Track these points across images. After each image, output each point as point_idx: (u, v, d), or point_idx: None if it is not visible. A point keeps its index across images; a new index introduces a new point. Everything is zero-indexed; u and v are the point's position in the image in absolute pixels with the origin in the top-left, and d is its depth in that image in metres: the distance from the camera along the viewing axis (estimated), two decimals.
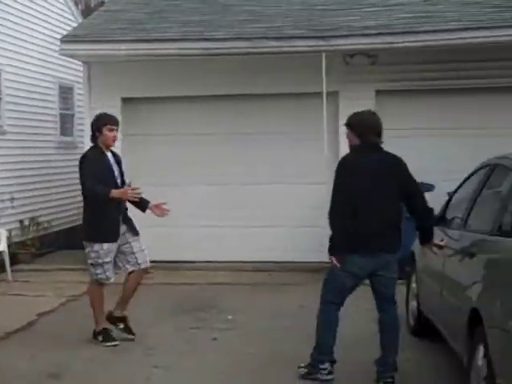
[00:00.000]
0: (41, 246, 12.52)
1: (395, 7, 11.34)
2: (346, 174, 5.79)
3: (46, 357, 6.79)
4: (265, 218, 11.25)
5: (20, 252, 11.99)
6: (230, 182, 11.34)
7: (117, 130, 7.12)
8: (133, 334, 7.14)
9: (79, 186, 13.65)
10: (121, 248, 7.05)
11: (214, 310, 8.45)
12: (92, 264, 7.02)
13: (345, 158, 5.93)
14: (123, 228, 7.04)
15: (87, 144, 11.59)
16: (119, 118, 11.36)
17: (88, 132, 11.53)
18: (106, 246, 6.92)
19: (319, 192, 11.21)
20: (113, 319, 7.20)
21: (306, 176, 11.24)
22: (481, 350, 4.59)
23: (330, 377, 5.98)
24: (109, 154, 7.10)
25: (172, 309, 8.55)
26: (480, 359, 4.62)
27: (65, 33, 12.43)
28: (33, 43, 13.20)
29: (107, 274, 7.03)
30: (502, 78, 10.62)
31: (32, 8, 13.34)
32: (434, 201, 8.14)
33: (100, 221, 6.93)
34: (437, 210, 6.89)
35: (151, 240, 10.91)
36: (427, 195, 9.54)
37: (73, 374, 6.28)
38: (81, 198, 12.85)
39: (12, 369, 6.44)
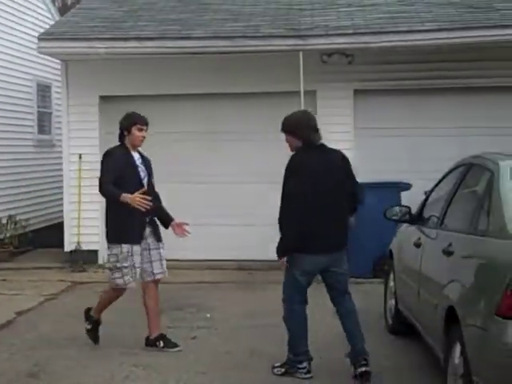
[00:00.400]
0: (19, 244, 12.48)
1: (371, 7, 11.44)
2: (296, 175, 5.87)
3: (25, 356, 6.78)
4: (246, 217, 11.29)
5: None
6: (210, 181, 11.37)
7: (146, 130, 6.84)
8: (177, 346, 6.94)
9: (57, 184, 13.63)
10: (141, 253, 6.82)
11: (193, 308, 8.48)
12: (110, 268, 6.75)
13: (293, 160, 5.97)
14: (147, 232, 6.80)
15: (65, 142, 11.69)
16: (97, 117, 11.53)
17: (66, 130, 11.67)
18: (125, 248, 6.62)
19: None
20: (151, 341, 6.95)
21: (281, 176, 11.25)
22: (457, 349, 4.65)
23: (308, 375, 6.06)
24: (136, 155, 6.83)
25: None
26: (456, 357, 4.68)
27: (42, 30, 12.39)
28: (10, 41, 13.16)
29: (125, 278, 6.66)
30: (477, 78, 10.77)
31: (9, 6, 13.30)
32: (411, 200, 8.29)
33: (120, 221, 6.65)
34: (414, 208, 6.98)
35: None
36: (404, 194, 9.77)
37: (52, 373, 6.27)
38: (59, 197, 12.88)
39: None
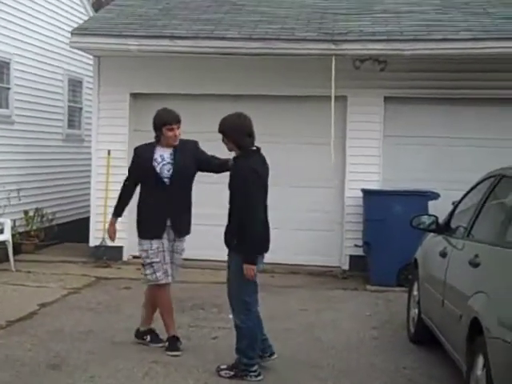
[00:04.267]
0: (45, 237, 12.56)
1: (406, 14, 11.38)
2: (258, 180, 6.05)
3: (46, 347, 6.83)
4: (271, 220, 11.24)
5: (24, 242, 12.05)
6: None
7: (178, 127, 6.74)
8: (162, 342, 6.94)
9: (85, 179, 13.75)
10: None
11: (215, 308, 8.47)
12: (143, 264, 6.80)
13: (252, 165, 6.06)
14: (171, 234, 6.77)
15: (94, 138, 11.76)
16: (127, 113, 11.57)
17: (95, 126, 11.74)
18: (155, 244, 6.65)
19: (325, 196, 11.31)
20: (140, 334, 7.05)
21: (312, 180, 11.27)
22: (480, 361, 4.61)
23: (260, 377, 6.08)
24: (168, 151, 6.73)
25: (173, 306, 8.56)
26: (479, 370, 4.64)
27: (76, 25, 12.48)
28: (43, 35, 13.25)
29: (157, 274, 6.66)
30: (510, 89, 10.66)
31: (44, 0, 13.38)
32: (438, 210, 8.23)
33: (147, 216, 6.72)
34: (441, 218, 6.93)
35: None
36: (430, 204, 9.70)
37: (72, 366, 6.30)
38: (86, 192, 12.97)
39: (13, 358, 6.47)
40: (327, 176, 11.17)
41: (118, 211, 6.95)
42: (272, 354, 6.39)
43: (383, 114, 11.07)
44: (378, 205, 10.13)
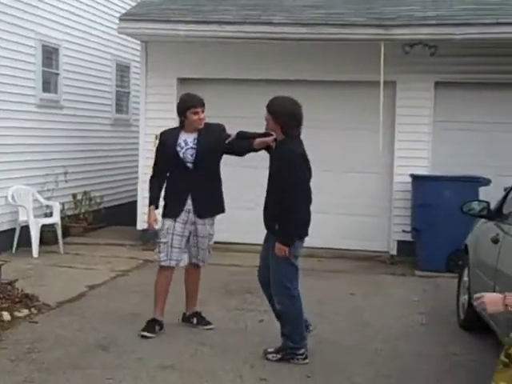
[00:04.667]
0: (93, 220, 12.68)
1: None
2: (305, 164, 6.04)
3: (95, 328, 6.92)
4: (316, 205, 11.20)
5: (72, 225, 12.19)
6: None
7: (203, 110, 6.69)
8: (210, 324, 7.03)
9: (132, 164, 13.84)
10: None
11: (261, 292, 8.45)
12: (157, 242, 6.88)
13: (299, 150, 6.03)
14: (191, 217, 6.74)
15: (142, 122, 11.83)
16: (174, 98, 11.59)
17: (143, 111, 11.82)
18: (166, 224, 6.70)
19: (373, 181, 11.24)
20: (186, 318, 7.11)
21: (359, 165, 11.21)
22: None
23: (306, 361, 6.08)
24: (192, 135, 6.70)
25: (220, 289, 8.62)
26: None
27: (124, 11, 12.54)
28: (91, 20, 13.32)
29: (160, 255, 6.74)
30: None
31: None
32: (488, 195, 8.12)
33: (169, 198, 6.80)
34: (492, 204, 6.83)
35: None
36: (483, 190, 9.57)
37: (120, 346, 6.37)
38: (134, 176, 13.07)
39: (63, 338, 6.57)
40: (375, 161, 11.09)
41: (152, 200, 6.88)
42: (307, 327, 6.33)
43: (433, 99, 10.94)
44: (427, 190, 10.04)
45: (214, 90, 11.60)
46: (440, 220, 9.75)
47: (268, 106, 6.10)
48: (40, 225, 10.73)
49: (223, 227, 10.91)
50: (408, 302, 8.32)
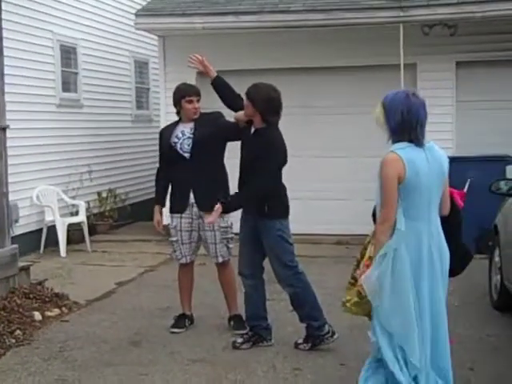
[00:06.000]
0: (118, 217, 12.71)
1: None
2: (282, 151, 6.04)
3: (126, 324, 6.94)
4: (341, 191, 11.18)
5: (98, 223, 12.22)
6: (304, 155, 11.25)
7: (198, 100, 6.57)
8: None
9: (154, 159, 13.85)
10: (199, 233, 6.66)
11: None
12: (170, 241, 6.82)
13: (278, 136, 6.05)
14: (195, 211, 6.55)
15: (162, 118, 11.81)
16: None
17: (163, 106, 11.80)
18: (174, 221, 6.62)
19: None
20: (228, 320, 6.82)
21: (380, 149, 11.04)
22: None
23: (335, 336, 6.09)
24: (189, 125, 6.55)
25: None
26: None
27: (139, 7, 12.52)
28: (108, 18, 13.33)
29: (176, 253, 6.73)
30: None
31: None
32: None
33: (172, 192, 6.71)
34: None
35: None
36: (510, 168, 9.44)
37: (152, 342, 6.37)
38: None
39: (94, 336, 6.58)
40: None
41: (157, 200, 6.86)
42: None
43: (455, 79, 10.82)
44: (452, 172, 9.86)
45: (232, 82, 11.52)
46: (468, 201, 9.55)
47: (247, 93, 6.03)
48: (66, 224, 10.77)
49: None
50: None
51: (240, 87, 11.76)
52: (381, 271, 4.18)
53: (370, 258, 4.35)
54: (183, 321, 6.73)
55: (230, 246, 6.69)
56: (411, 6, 10.16)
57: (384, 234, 4.19)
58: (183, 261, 6.75)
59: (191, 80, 11.49)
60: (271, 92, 6.02)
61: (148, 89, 14.99)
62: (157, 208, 6.83)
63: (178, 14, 11.04)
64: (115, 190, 12.89)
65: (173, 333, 6.59)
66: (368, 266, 4.31)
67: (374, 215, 4.70)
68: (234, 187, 6.37)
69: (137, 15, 11.32)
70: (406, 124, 4.20)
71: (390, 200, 4.15)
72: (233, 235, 6.68)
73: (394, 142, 4.28)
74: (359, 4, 10.48)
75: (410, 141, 4.22)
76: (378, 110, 4.46)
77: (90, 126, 12.45)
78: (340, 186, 11.21)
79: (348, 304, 4.57)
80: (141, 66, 14.75)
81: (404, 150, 4.19)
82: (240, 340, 6.21)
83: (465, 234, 9.72)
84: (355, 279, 4.50)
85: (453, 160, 10.07)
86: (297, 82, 11.36)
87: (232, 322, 6.73)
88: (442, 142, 10.57)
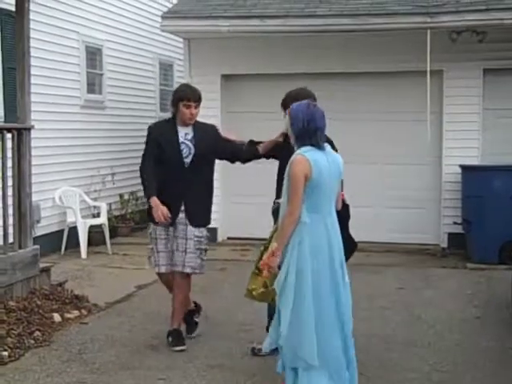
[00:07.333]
0: (139, 220, 12.69)
1: None
2: None
3: (145, 328, 6.90)
4: (364, 198, 11.08)
5: (119, 225, 12.22)
6: None
7: (196, 106, 6.19)
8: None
9: None
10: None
11: None
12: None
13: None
14: (180, 218, 6.22)
15: None
16: (219, 95, 11.52)
17: None
18: (150, 229, 6.41)
19: (420, 173, 11.04)
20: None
21: (406, 157, 11.03)
22: None
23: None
24: (184, 130, 6.23)
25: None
26: None
27: (164, 9, 12.52)
28: (133, 20, 13.36)
29: (151, 260, 6.48)
30: None
31: None
32: None
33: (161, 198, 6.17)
34: None
35: (249, 215, 10.95)
36: None
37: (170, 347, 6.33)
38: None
39: (113, 339, 6.56)
40: (422, 153, 10.90)
41: (151, 191, 6.25)
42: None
43: (482, 86, 10.68)
44: (477, 181, 9.82)
45: (257, 86, 11.55)
46: (491, 211, 9.53)
47: (285, 104, 5.96)
48: (88, 226, 10.78)
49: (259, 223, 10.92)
50: (461, 295, 8.14)
51: (263, 91, 11.77)
52: (285, 261, 4.69)
53: (273, 251, 4.73)
54: (180, 336, 6.35)
55: (204, 258, 6.34)
56: (439, 12, 10.05)
57: (290, 227, 4.64)
58: (156, 270, 6.44)
59: (217, 83, 11.57)
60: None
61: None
62: (154, 199, 6.17)
63: (204, 17, 11.01)
64: (137, 192, 12.87)
65: (179, 351, 6.24)
66: (270, 257, 4.72)
67: (273, 213, 5.44)
68: None
69: (163, 17, 11.31)
70: (308, 130, 4.75)
71: (297, 196, 4.61)
72: (207, 247, 6.40)
73: (299, 146, 4.77)
74: (386, 9, 10.39)
75: (312, 145, 4.73)
76: (286, 119, 5.08)
77: (113, 127, 12.48)
78: (366, 194, 11.08)
79: (254, 293, 5.18)
80: (165, 69, 14.77)
81: (310, 153, 4.67)
82: (259, 346, 6.16)
83: (489, 244, 9.75)
84: (259, 269, 4.99)
85: (477, 169, 10.13)
86: (323, 87, 11.22)
87: (170, 338, 6.33)
88: (467, 150, 10.58)
